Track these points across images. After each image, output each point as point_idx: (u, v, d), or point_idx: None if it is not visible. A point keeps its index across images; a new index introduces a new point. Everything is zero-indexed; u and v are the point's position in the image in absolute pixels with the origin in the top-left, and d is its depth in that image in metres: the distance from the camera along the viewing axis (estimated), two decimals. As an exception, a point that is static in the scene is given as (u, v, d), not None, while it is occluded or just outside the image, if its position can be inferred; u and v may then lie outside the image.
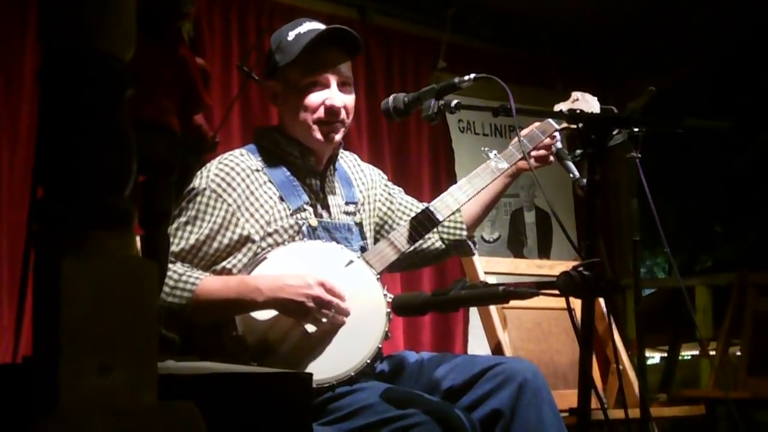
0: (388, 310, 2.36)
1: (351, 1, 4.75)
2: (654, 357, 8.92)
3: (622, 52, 5.62)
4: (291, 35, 2.47)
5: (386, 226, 2.67)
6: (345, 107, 2.49)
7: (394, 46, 4.89)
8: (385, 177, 2.78)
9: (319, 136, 2.47)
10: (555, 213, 2.48)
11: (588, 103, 2.67)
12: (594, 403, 1.84)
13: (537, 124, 2.65)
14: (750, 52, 6.63)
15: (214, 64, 4.05)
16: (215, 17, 4.22)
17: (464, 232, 2.69)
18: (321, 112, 2.46)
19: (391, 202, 2.69)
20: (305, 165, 2.51)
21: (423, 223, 2.50)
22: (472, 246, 2.73)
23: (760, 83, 7.64)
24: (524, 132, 2.62)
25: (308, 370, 2.25)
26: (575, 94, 2.68)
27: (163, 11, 1.68)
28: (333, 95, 2.47)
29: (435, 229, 2.63)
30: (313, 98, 2.46)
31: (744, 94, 7.91)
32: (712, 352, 5.02)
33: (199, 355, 2.21)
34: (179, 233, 2.34)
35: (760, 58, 6.99)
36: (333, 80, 2.48)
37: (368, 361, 2.32)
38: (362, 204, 2.63)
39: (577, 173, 2.50)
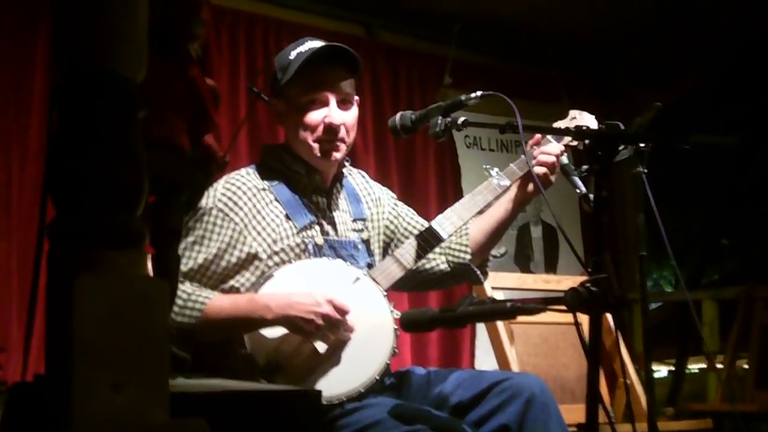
0: (396, 326, 2.37)
1: (357, 18, 4.78)
2: (661, 370, 8.88)
3: (628, 66, 5.63)
4: (293, 54, 2.49)
5: (392, 245, 2.67)
6: (344, 125, 2.50)
7: (400, 62, 4.91)
8: (395, 196, 2.78)
9: (318, 153, 2.48)
10: (561, 228, 2.49)
11: (586, 120, 2.67)
12: (602, 418, 1.84)
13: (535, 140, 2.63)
14: (756, 65, 6.62)
15: (221, 83, 4.08)
16: (223, 36, 4.24)
17: (468, 256, 2.64)
18: (320, 130, 2.47)
19: (399, 221, 2.69)
20: (311, 183, 2.53)
21: (428, 240, 2.50)
22: (480, 275, 2.67)
23: (766, 95, 7.63)
24: (525, 150, 2.61)
25: (317, 387, 2.25)
26: (573, 112, 2.67)
27: (174, 33, 1.70)
28: (332, 113, 2.48)
29: (440, 250, 2.63)
30: (313, 116, 2.48)
31: (750, 106, 7.90)
32: (719, 366, 5.01)
33: (208, 374, 2.22)
34: (187, 253, 2.36)
35: (766, 71, 6.98)
36: (332, 98, 2.49)
37: (377, 377, 2.32)
38: (370, 221, 2.63)
39: (583, 188, 2.51)
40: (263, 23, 4.40)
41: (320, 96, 2.48)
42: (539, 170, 2.52)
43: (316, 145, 2.48)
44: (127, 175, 1.39)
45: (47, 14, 3.72)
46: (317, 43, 2.51)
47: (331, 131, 2.47)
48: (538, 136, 2.62)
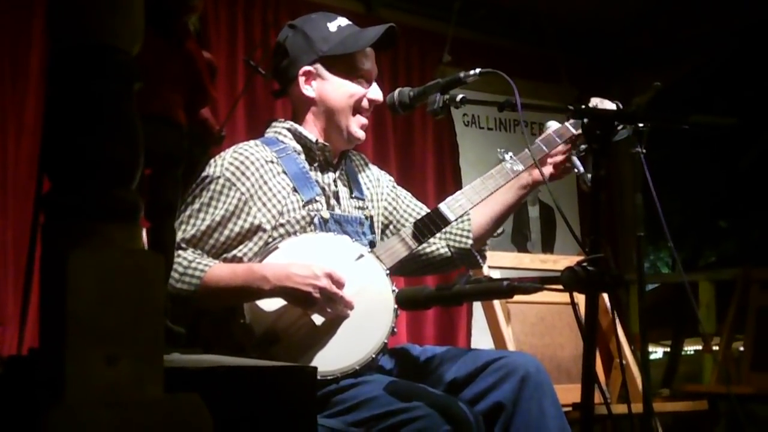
0: (396, 305, 2.37)
1: (357, -6, 4.76)
2: (657, 352, 8.92)
3: (629, 47, 5.61)
4: (332, 26, 2.54)
5: (391, 227, 2.68)
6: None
7: (399, 39, 4.87)
8: (393, 180, 2.79)
9: (355, 129, 2.55)
10: (559, 208, 2.48)
11: (606, 108, 2.64)
12: (597, 398, 1.84)
13: (553, 129, 2.60)
14: (757, 48, 6.61)
15: (219, 58, 4.06)
16: (221, 10, 4.22)
17: (470, 241, 2.65)
18: (365, 104, 2.56)
19: (398, 203, 2.70)
20: (320, 157, 2.53)
21: (434, 221, 2.50)
22: (480, 259, 2.70)
23: (766, 78, 7.62)
24: (541, 136, 2.60)
25: (313, 361, 2.26)
26: (594, 100, 2.63)
27: (171, 5, 1.69)
28: (376, 90, 2.58)
29: (441, 236, 2.63)
30: (360, 90, 2.55)
31: (750, 89, 7.89)
32: (715, 348, 5.01)
33: (204, 344, 2.23)
34: (191, 220, 2.36)
35: (766, 55, 6.97)
36: (373, 75, 2.59)
37: (373, 355, 2.32)
38: (369, 200, 2.64)
39: (581, 168, 2.50)
40: (262, -2, 4.38)
41: (368, 73, 2.57)
42: (552, 171, 2.59)
43: (356, 119, 2.55)
44: (123, 148, 1.39)
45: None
46: (346, 20, 2.59)
47: (372, 105, 2.58)
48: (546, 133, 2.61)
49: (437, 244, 2.67)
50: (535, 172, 2.56)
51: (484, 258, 2.74)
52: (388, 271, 2.43)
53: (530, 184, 2.61)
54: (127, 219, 1.39)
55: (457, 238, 2.67)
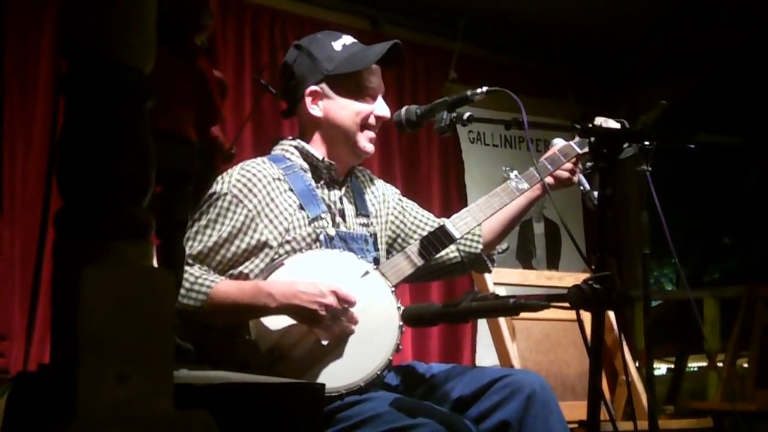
0: (401, 323, 2.37)
1: (363, 11, 4.77)
2: (660, 368, 8.90)
3: (633, 64, 5.63)
4: (336, 45, 2.55)
5: (399, 240, 2.68)
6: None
7: (405, 56, 4.89)
8: (398, 192, 2.79)
9: (364, 143, 2.56)
10: (565, 224, 2.49)
11: (612, 127, 2.65)
12: (603, 415, 1.84)
13: (558, 147, 2.63)
14: (762, 64, 6.62)
15: (226, 74, 4.07)
16: (228, 27, 4.24)
17: (480, 246, 2.68)
18: (372, 120, 2.56)
19: (405, 216, 2.71)
20: (327, 175, 2.54)
21: (440, 239, 2.52)
22: (489, 263, 2.74)
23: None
24: (546, 154, 2.63)
25: (319, 378, 2.26)
26: (599, 119, 2.64)
27: (183, 23, 1.70)
28: (383, 106, 2.57)
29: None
30: (366, 108, 2.55)
31: (755, 105, 7.90)
32: (720, 364, 5.01)
33: (211, 361, 2.23)
34: (198, 236, 2.37)
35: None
36: (380, 92, 2.59)
37: (378, 372, 2.33)
38: (374, 216, 2.65)
39: (587, 186, 2.52)
40: (269, 15, 4.39)
41: (374, 91, 2.57)
42: (563, 174, 2.62)
43: (364, 135, 2.56)
44: (135, 165, 1.40)
45: (52, 3, 3.73)
46: (352, 38, 2.60)
47: (379, 122, 2.57)
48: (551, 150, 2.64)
49: (448, 251, 2.68)
50: (546, 179, 2.60)
51: (492, 262, 2.77)
52: (393, 288, 2.44)
53: (540, 194, 2.66)
54: (138, 236, 1.40)
55: (468, 243, 2.70)
